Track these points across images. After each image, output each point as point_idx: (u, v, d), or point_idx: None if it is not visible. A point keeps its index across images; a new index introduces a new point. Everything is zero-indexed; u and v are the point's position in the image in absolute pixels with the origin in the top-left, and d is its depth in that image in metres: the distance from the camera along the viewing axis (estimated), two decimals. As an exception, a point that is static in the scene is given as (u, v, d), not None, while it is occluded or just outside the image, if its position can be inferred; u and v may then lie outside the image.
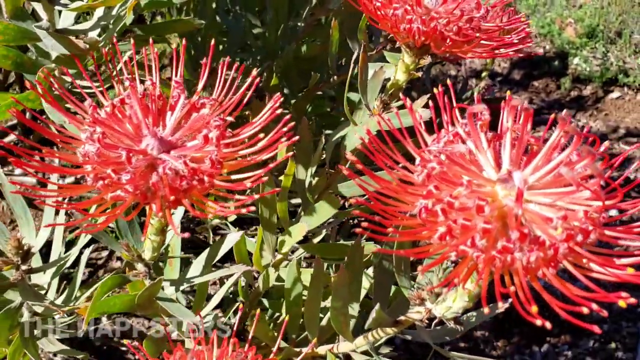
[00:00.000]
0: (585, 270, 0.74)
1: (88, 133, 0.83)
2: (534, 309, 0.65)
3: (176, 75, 0.94)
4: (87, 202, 0.82)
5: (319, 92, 1.73)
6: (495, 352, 2.90)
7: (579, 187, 0.69)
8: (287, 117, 0.89)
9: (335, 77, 1.63)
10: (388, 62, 1.42)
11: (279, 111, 0.90)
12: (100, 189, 0.82)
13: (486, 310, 0.65)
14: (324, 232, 1.60)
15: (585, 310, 0.64)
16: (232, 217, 1.91)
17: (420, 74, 1.36)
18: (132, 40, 1.00)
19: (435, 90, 0.91)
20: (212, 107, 0.91)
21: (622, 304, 0.65)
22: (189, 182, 0.82)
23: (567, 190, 0.72)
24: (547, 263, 0.72)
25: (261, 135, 0.86)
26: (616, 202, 0.76)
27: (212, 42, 0.97)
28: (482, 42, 1.16)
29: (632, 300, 0.65)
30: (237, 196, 0.86)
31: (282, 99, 0.93)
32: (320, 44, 1.70)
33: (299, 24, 1.70)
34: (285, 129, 0.87)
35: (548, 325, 0.64)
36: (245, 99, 0.95)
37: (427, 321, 1.00)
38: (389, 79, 1.37)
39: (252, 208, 0.79)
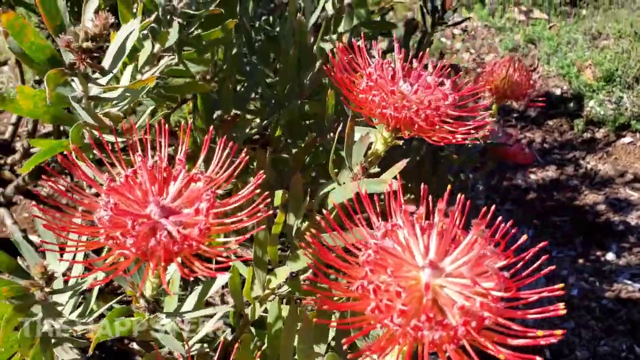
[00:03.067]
0: (483, 347, 0.93)
1: (103, 202, 1.05)
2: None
3: (180, 154, 1.15)
4: (98, 246, 1.05)
5: (318, 145, 1.93)
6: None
7: (475, 284, 0.88)
8: (265, 193, 1.10)
9: (331, 134, 1.84)
10: (375, 127, 1.62)
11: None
12: (110, 247, 1.04)
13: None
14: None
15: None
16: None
17: (401, 142, 1.54)
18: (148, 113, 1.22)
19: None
20: (205, 181, 1.12)
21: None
22: (179, 247, 1.03)
23: (468, 283, 0.91)
24: (450, 340, 0.91)
25: (240, 212, 1.07)
26: (513, 293, 0.94)
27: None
28: (446, 127, 1.35)
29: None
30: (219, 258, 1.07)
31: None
32: (321, 103, 1.91)
33: (305, 81, 1.91)
34: (262, 206, 1.08)
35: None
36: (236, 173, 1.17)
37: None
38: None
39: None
